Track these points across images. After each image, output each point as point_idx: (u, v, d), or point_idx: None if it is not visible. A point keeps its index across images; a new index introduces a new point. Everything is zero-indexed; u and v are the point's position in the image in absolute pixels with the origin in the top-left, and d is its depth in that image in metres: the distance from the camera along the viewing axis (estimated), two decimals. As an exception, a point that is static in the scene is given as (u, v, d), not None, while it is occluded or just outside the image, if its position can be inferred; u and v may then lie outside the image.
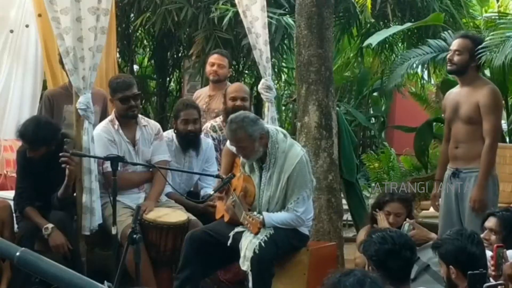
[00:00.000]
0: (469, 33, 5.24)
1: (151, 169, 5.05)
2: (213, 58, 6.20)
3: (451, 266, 3.15)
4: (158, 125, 5.26)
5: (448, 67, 4.87)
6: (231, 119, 4.42)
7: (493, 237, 3.72)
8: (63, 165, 4.59)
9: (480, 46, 4.84)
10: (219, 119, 5.65)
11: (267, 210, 4.43)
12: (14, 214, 4.86)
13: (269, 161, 4.41)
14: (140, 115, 5.15)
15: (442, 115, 5.08)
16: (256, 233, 4.27)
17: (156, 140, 5.13)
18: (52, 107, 5.48)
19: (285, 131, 4.63)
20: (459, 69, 4.77)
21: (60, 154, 4.56)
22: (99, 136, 4.89)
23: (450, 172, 4.83)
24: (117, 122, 5.01)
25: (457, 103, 4.80)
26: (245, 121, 4.34)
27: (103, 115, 5.45)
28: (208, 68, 6.22)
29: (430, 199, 5.11)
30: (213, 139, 5.55)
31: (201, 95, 6.27)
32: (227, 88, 5.65)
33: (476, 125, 4.72)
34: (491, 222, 3.78)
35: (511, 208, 3.96)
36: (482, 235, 3.75)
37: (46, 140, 4.69)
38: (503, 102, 8.03)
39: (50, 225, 4.64)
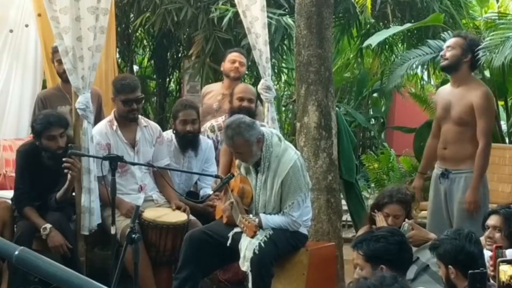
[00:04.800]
0: (462, 33, 5.28)
1: (147, 170, 5.06)
2: (234, 55, 6.11)
3: (450, 266, 3.14)
4: (158, 127, 5.26)
5: (441, 63, 4.88)
6: (227, 125, 4.41)
7: (497, 235, 3.71)
8: (65, 171, 4.58)
9: (480, 47, 4.85)
10: (220, 119, 5.63)
11: (264, 213, 4.43)
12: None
13: (264, 165, 4.41)
14: (140, 116, 5.15)
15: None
16: (252, 237, 4.26)
17: (157, 143, 5.12)
18: (45, 109, 5.46)
19: (280, 134, 4.62)
20: (451, 63, 4.78)
21: (64, 159, 4.55)
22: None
23: (439, 172, 4.85)
24: (115, 123, 5.00)
25: (449, 103, 4.80)
26: (242, 127, 4.32)
27: (97, 114, 5.43)
28: (228, 65, 6.09)
29: (414, 189, 5.04)
30: (209, 139, 5.54)
31: (213, 91, 6.20)
32: (234, 88, 5.64)
33: (466, 126, 4.73)
34: (494, 220, 3.78)
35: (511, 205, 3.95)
36: (485, 234, 3.75)
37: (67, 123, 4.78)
38: (503, 103, 8.07)
39: (48, 225, 4.63)
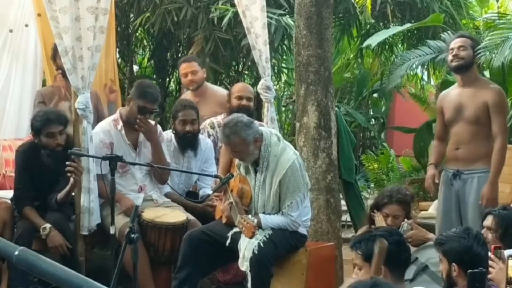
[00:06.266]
0: (465, 33, 5.28)
1: (147, 171, 5.06)
2: (183, 68, 5.97)
3: (454, 264, 3.14)
4: (159, 127, 5.25)
5: (455, 63, 4.80)
6: (224, 124, 4.42)
7: (489, 236, 3.72)
8: (68, 174, 4.59)
9: (479, 47, 4.86)
10: (220, 117, 5.63)
11: (263, 213, 4.43)
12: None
13: (262, 165, 4.41)
14: None
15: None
16: (251, 237, 4.25)
17: None
18: (45, 105, 5.47)
19: (279, 134, 4.62)
20: (467, 63, 4.77)
21: (67, 163, 4.54)
22: (95, 135, 4.88)
23: (450, 174, 4.84)
24: (120, 123, 4.99)
25: (461, 104, 4.79)
26: (239, 126, 4.32)
27: (94, 115, 5.42)
28: (183, 80, 6.05)
29: (427, 179, 4.94)
30: (209, 135, 5.55)
31: None
32: (232, 87, 5.64)
33: (481, 125, 4.72)
34: (488, 220, 3.79)
35: (509, 206, 3.96)
36: None
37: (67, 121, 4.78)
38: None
39: (48, 225, 4.63)
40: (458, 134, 4.82)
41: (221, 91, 6.21)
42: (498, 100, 4.70)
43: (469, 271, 2.71)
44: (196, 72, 5.92)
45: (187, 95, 6.20)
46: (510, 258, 2.70)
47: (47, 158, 4.69)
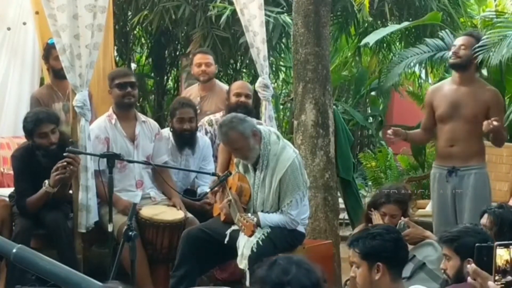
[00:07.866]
0: (474, 32, 5.29)
1: (145, 165, 5.07)
2: (198, 58, 6.07)
3: (469, 259, 3.12)
4: (157, 124, 5.29)
5: (452, 60, 4.85)
6: (220, 124, 4.45)
7: None
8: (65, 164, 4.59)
9: (477, 45, 4.86)
10: (218, 115, 5.64)
11: (262, 211, 4.44)
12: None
13: (262, 163, 4.41)
14: (138, 113, 5.17)
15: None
16: (250, 236, 4.25)
17: (156, 140, 5.13)
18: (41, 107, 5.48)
19: (278, 132, 4.63)
20: (463, 62, 4.79)
21: (65, 154, 4.55)
22: (91, 132, 4.88)
23: (444, 171, 4.84)
24: (114, 117, 5.02)
25: (458, 102, 4.80)
26: (234, 121, 4.35)
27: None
28: (195, 70, 6.06)
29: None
30: (207, 132, 5.55)
31: (192, 94, 6.16)
32: (231, 85, 5.66)
33: (477, 124, 4.74)
34: (484, 218, 3.80)
35: (505, 204, 3.97)
36: None
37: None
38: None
39: (46, 181, 4.63)
40: (453, 131, 4.84)
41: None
42: (497, 101, 4.80)
43: (476, 244, 2.70)
44: (210, 65, 6.01)
45: (193, 88, 6.27)
46: (498, 247, 2.68)
47: (43, 158, 4.70)
